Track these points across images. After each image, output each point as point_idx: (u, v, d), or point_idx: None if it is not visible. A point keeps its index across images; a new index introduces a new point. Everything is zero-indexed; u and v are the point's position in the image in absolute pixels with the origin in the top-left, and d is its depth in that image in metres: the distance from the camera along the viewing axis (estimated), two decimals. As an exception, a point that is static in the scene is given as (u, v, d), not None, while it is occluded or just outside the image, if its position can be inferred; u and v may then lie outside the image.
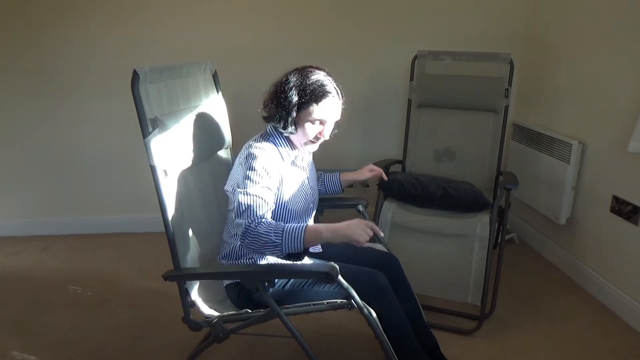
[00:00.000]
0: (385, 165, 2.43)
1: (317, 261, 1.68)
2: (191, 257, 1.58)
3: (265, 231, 1.36)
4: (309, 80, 1.49)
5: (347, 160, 3.13)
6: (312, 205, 1.70)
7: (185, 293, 1.52)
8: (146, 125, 1.38)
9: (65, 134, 2.90)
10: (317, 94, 1.48)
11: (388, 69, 2.96)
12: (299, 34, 2.87)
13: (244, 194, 1.42)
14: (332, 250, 1.73)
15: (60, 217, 3.04)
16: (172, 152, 1.47)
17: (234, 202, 1.46)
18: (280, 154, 1.55)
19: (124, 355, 1.95)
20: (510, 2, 2.91)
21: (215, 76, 1.84)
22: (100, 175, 2.99)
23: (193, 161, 1.58)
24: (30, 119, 2.86)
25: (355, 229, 1.37)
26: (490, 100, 2.52)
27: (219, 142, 1.78)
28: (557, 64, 2.66)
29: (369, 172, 1.91)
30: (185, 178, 1.56)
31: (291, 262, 1.46)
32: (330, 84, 1.52)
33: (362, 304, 1.41)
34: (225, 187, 1.55)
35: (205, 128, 1.67)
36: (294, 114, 1.49)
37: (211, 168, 1.75)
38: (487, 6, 2.91)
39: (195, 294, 1.55)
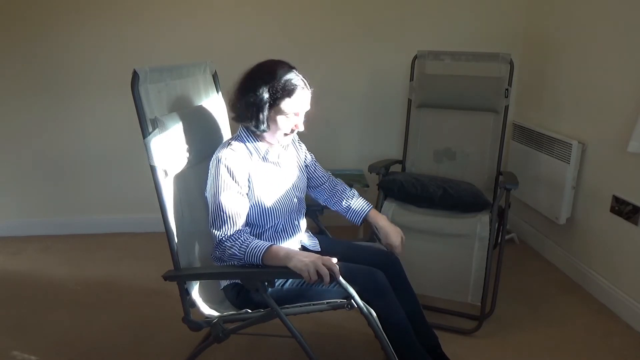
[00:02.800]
0: (385, 165, 2.43)
1: None
2: (191, 257, 1.57)
3: (230, 245, 1.42)
4: (277, 76, 1.48)
5: (347, 160, 3.13)
6: (296, 202, 1.67)
7: (185, 293, 1.52)
8: (146, 126, 1.38)
9: (65, 134, 2.90)
10: (288, 88, 1.47)
11: (388, 69, 2.96)
12: (299, 34, 2.87)
13: (214, 203, 1.46)
14: (332, 249, 1.72)
15: (60, 217, 3.04)
16: (172, 152, 1.47)
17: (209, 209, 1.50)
18: (248, 149, 1.55)
19: (124, 355, 1.95)
20: (510, 2, 2.91)
21: (215, 76, 1.84)
22: (101, 175, 2.99)
23: (193, 161, 1.58)
24: (30, 119, 2.86)
25: (305, 268, 1.33)
26: (490, 100, 2.52)
27: (219, 142, 1.78)
28: (557, 64, 2.66)
29: (389, 243, 1.71)
30: (185, 178, 1.56)
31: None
32: (297, 76, 1.52)
33: (362, 304, 1.40)
34: (205, 193, 1.55)
35: (205, 128, 1.67)
36: (267, 111, 1.48)
37: (211, 168, 1.75)
38: (487, 6, 2.91)
39: (195, 294, 1.55)
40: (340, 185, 1.87)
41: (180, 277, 1.49)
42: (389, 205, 2.31)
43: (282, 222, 1.63)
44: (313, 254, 1.41)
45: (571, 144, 2.42)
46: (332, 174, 3.15)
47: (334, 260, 1.36)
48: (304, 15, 2.85)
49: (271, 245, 1.41)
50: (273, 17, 2.84)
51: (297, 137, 1.82)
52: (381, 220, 1.74)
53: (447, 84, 2.59)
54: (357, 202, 1.80)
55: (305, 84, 1.53)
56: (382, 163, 2.44)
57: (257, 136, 1.57)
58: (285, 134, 1.55)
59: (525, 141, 2.83)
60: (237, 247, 1.40)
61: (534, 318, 2.21)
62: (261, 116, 1.48)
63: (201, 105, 1.70)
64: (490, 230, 2.11)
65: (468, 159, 2.59)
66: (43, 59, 2.77)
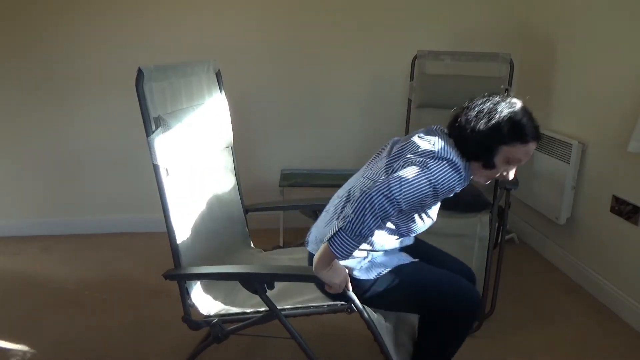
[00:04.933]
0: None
1: (402, 257, 1.50)
2: (192, 256, 1.57)
3: (369, 221, 1.21)
4: (519, 116, 1.34)
5: (346, 160, 3.13)
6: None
7: (185, 292, 1.52)
8: (150, 124, 1.38)
9: (65, 134, 2.90)
10: (524, 133, 1.33)
11: (388, 69, 2.96)
12: (301, 34, 2.87)
13: (410, 179, 1.23)
14: (424, 248, 1.63)
15: (60, 217, 3.04)
16: (174, 150, 1.47)
17: (380, 175, 1.37)
18: (460, 181, 1.35)
19: (124, 355, 1.95)
20: (511, 1, 2.91)
21: (218, 75, 1.84)
22: (101, 175, 2.99)
23: (195, 160, 1.58)
24: (30, 119, 2.85)
25: (338, 282, 1.33)
26: (490, 100, 2.51)
27: (221, 141, 1.78)
28: (557, 64, 2.66)
29: None
30: (187, 177, 1.56)
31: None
32: (532, 122, 1.36)
33: (361, 308, 1.39)
34: (390, 160, 1.40)
35: (207, 127, 1.67)
36: (497, 149, 1.34)
37: (213, 167, 1.75)
38: (487, 6, 2.91)
39: (195, 294, 1.55)
40: None
41: (181, 277, 1.49)
42: (388, 205, 2.30)
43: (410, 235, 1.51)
44: (343, 272, 1.36)
45: (571, 144, 2.42)
46: (333, 174, 3.17)
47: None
48: (305, 15, 2.85)
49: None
50: (276, 17, 2.83)
51: None
52: None
53: (447, 84, 2.59)
54: None
55: (538, 135, 1.37)
56: (382, 163, 2.44)
57: (467, 165, 1.39)
58: (493, 177, 1.43)
59: (525, 141, 2.83)
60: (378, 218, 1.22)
61: (534, 318, 2.21)
62: (490, 153, 1.35)
63: (204, 104, 1.70)
64: (490, 230, 2.10)
65: (468, 159, 2.59)
66: (44, 59, 2.77)
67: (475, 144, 1.35)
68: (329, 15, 2.86)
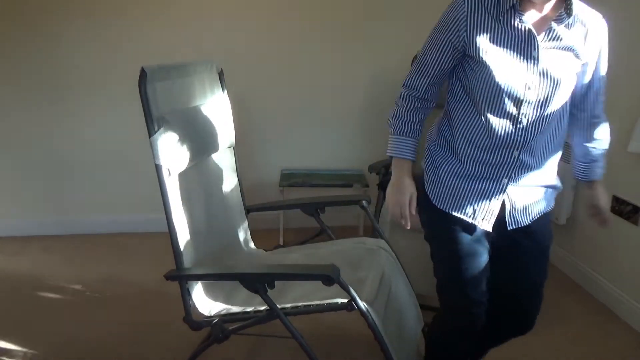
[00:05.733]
0: (385, 165, 2.43)
1: (480, 209, 1.31)
2: (193, 256, 1.57)
3: (398, 113, 1.40)
4: None
5: (346, 160, 3.13)
6: (535, 119, 1.17)
7: (186, 293, 1.52)
8: (152, 124, 1.38)
9: (65, 133, 2.90)
10: None
11: (388, 69, 2.96)
12: (301, 34, 2.87)
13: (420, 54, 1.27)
14: (519, 246, 1.38)
15: (60, 217, 3.04)
16: (176, 150, 1.46)
17: None
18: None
19: (124, 355, 1.95)
20: (511, 2, 2.91)
21: (220, 74, 1.84)
22: (100, 175, 2.99)
23: (197, 160, 1.58)
24: (30, 118, 2.85)
25: (397, 201, 1.32)
26: (490, 100, 2.51)
27: (223, 141, 1.78)
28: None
29: (598, 204, 1.45)
30: (189, 177, 1.55)
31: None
32: None
33: (362, 306, 1.39)
34: None
35: (209, 126, 1.67)
36: None
37: (215, 167, 1.75)
38: (487, 6, 2.90)
39: (196, 294, 1.55)
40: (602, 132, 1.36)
41: (183, 277, 1.49)
42: (389, 205, 2.30)
43: (493, 147, 1.22)
44: (408, 191, 1.32)
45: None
46: (332, 174, 3.15)
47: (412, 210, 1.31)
48: (306, 16, 2.85)
49: (411, 161, 1.32)
50: (277, 17, 2.83)
51: (591, 19, 1.17)
52: (598, 187, 1.43)
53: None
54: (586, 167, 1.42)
55: None
56: (382, 163, 2.44)
57: None
58: None
59: (525, 141, 2.83)
60: (400, 109, 1.38)
61: (534, 318, 2.21)
62: None
63: (206, 104, 1.70)
64: (490, 230, 2.10)
65: (468, 159, 2.59)
66: (43, 58, 2.76)
67: None
68: (329, 16, 2.86)
